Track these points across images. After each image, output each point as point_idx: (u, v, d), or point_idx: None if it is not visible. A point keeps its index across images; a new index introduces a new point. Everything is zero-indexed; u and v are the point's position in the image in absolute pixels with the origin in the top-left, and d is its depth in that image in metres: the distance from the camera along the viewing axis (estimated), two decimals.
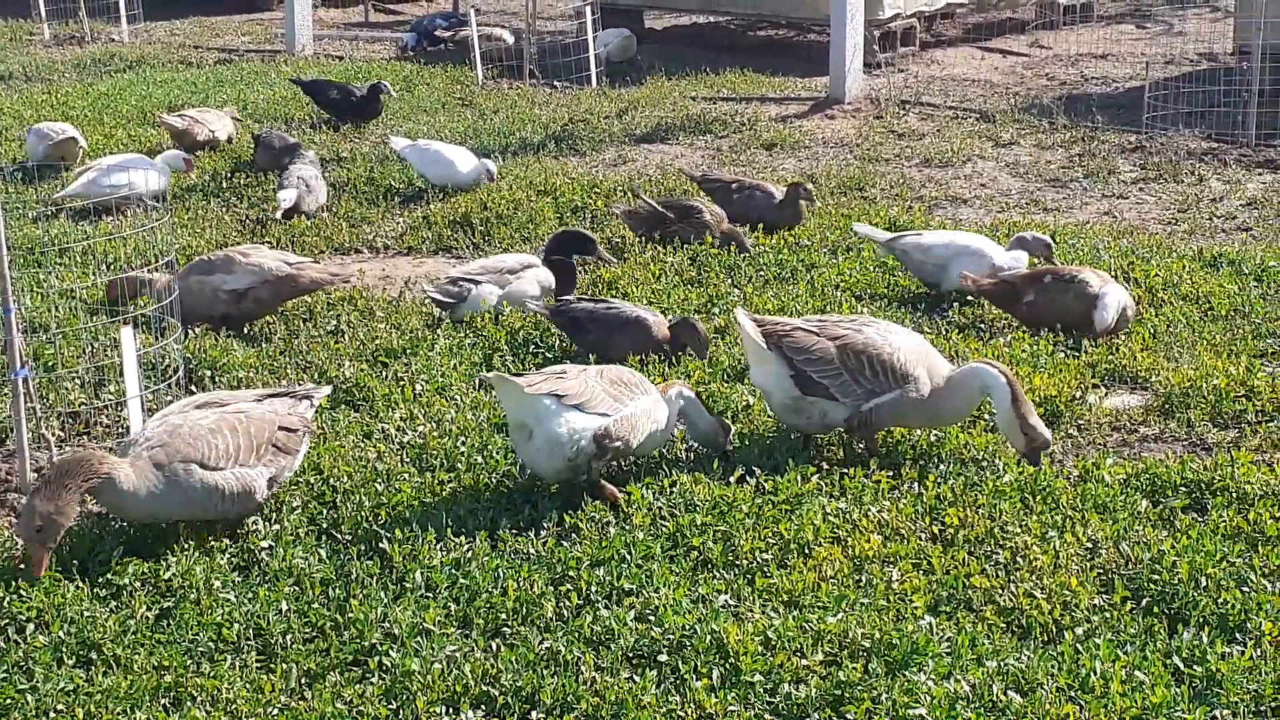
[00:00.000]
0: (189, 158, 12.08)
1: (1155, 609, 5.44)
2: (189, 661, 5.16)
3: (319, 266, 9.03)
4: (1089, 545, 5.83)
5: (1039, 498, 6.26)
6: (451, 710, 4.89)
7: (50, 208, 11.26)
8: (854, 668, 5.01)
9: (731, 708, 4.85)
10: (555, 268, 9.05)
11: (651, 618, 5.38)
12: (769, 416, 7.15)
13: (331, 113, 14.82)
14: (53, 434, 6.81)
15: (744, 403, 7.32)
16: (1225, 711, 4.79)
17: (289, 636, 5.32)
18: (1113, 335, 8.24)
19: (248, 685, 5.01)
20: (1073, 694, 4.85)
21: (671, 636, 5.23)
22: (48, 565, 5.59)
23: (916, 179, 12.59)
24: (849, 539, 5.91)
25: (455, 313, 8.80)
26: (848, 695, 4.89)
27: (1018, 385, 6.56)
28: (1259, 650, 5.10)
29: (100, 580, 5.64)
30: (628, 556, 5.78)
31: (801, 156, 13.54)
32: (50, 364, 7.85)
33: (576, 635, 5.29)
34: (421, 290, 9.05)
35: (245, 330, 8.69)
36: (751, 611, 5.41)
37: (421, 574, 5.69)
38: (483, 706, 4.93)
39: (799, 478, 6.38)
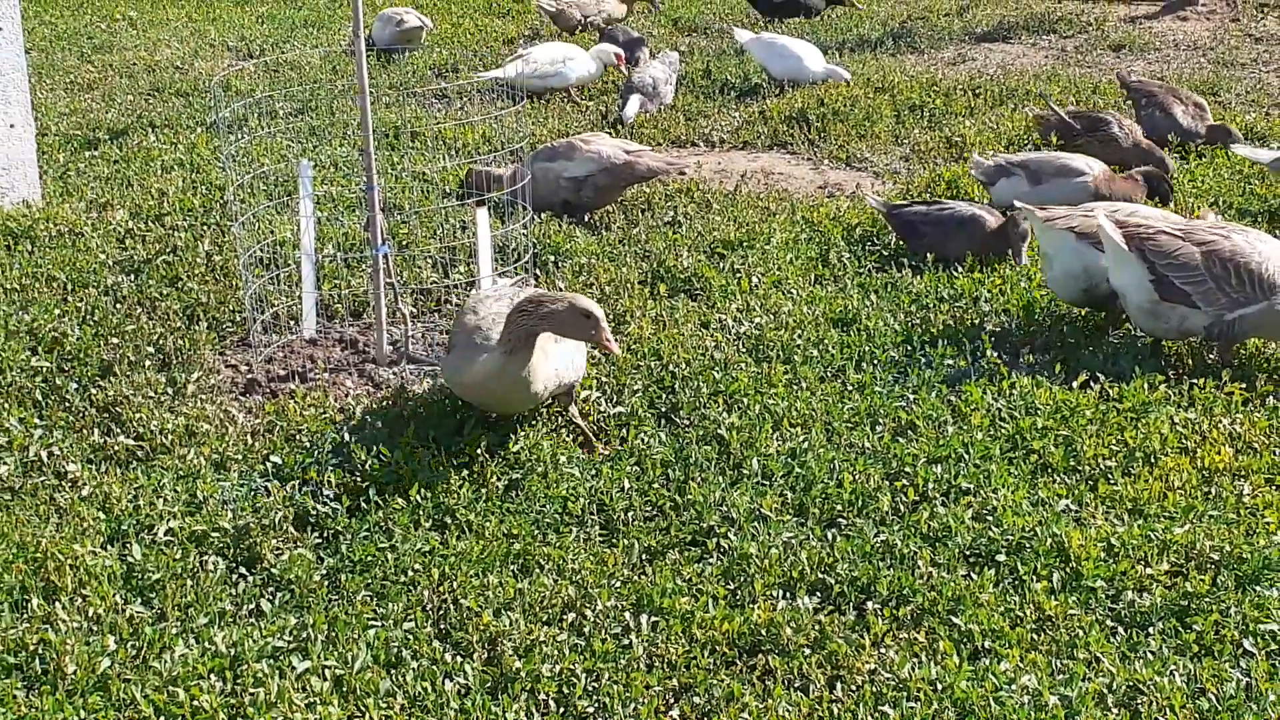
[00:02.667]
0: (619, 53, 12.12)
1: None
2: (536, 531, 5.36)
3: (655, 155, 9.12)
4: None
5: None
6: (788, 594, 4.96)
7: (404, 92, 11.64)
8: (1201, 579, 4.88)
9: (1072, 611, 4.79)
10: (1148, 179, 8.53)
11: (989, 517, 5.34)
12: (1104, 322, 6.99)
13: (774, 15, 14.74)
14: (407, 309, 7.09)
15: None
16: None
17: (630, 513, 5.47)
18: None
19: (591, 557, 5.18)
20: None
21: (1010, 537, 5.19)
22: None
23: (1275, 85, 11.98)
24: (1198, 450, 5.74)
25: (991, 193, 8.74)
26: (1194, 606, 4.78)
27: None
28: None
29: (453, 450, 5.88)
30: (966, 456, 5.74)
31: (1151, 59, 13.03)
32: (404, 242, 8.17)
33: (913, 530, 5.29)
34: (972, 161, 8.95)
35: (586, 219, 8.87)
36: (1094, 517, 5.32)
37: (758, 461, 5.76)
38: (818, 593, 4.98)
39: (1146, 385, 6.22)
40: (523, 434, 5.96)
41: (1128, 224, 6.65)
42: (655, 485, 5.65)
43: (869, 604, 4.90)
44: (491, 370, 5.70)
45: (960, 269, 7.72)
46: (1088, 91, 11.48)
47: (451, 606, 4.91)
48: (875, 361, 6.65)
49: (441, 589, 4.99)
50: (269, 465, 5.76)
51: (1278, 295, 6.36)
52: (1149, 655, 4.57)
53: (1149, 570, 4.97)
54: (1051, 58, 13.20)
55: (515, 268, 7.41)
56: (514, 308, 5.70)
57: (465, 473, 5.72)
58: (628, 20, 14.13)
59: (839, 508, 5.48)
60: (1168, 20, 14.55)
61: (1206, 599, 4.80)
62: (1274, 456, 5.72)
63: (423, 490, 5.54)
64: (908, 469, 5.68)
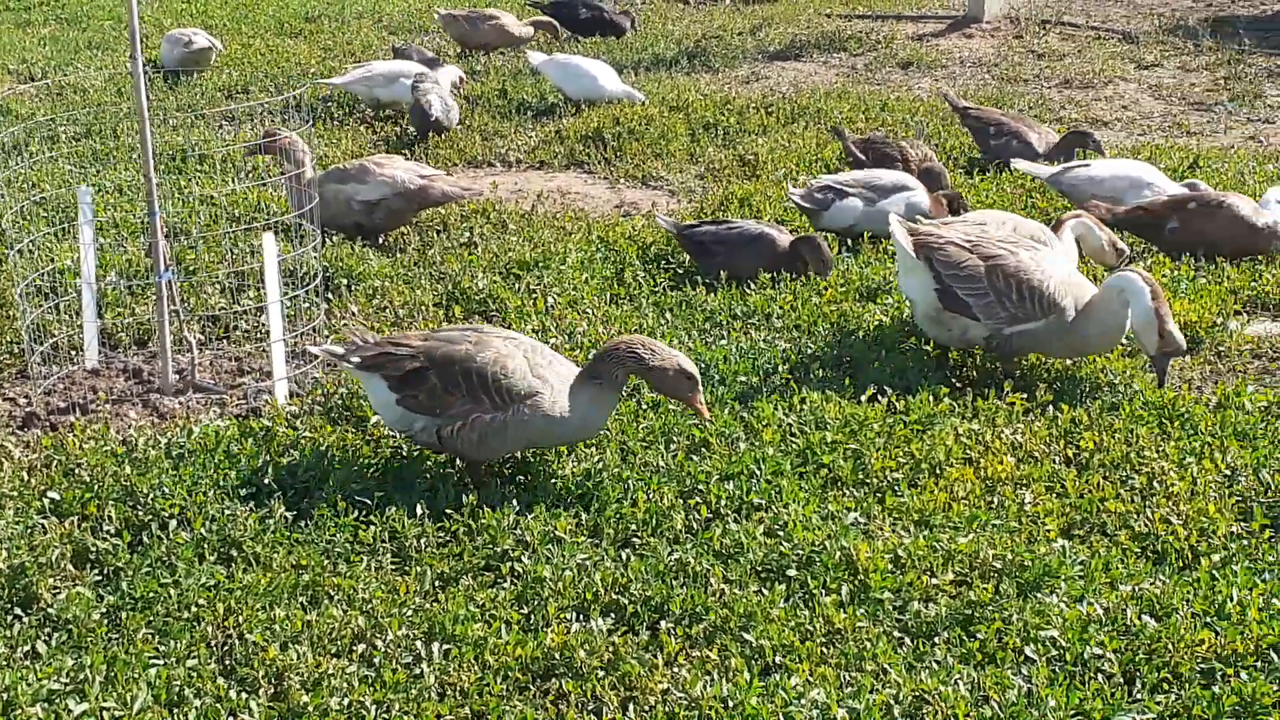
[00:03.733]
0: (463, 75, 11.94)
1: None
2: (326, 561, 5.25)
3: (450, 180, 9.07)
4: (1227, 473, 5.73)
5: (1177, 423, 6.17)
6: (581, 617, 4.94)
7: (193, 113, 11.41)
8: (985, 588, 4.98)
9: (860, 624, 4.85)
10: (949, 199, 8.59)
11: (781, 533, 5.38)
12: (902, 336, 7.11)
13: (581, 32, 14.69)
14: (193, 336, 6.93)
15: (875, 321, 7.26)
16: None
17: (423, 540, 5.40)
18: (1263, 260, 8.03)
19: (383, 586, 5.09)
20: (1209, 620, 4.78)
21: (800, 552, 5.23)
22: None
23: (1056, 100, 12.36)
24: (981, 460, 5.86)
25: (817, 221, 8.66)
26: (978, 615, 4.87)
27: (1158, 286, 6.41)
28: None
29: (240, 480, 5.74)
30: (757, 472, 5.78)
31: (938, 75, 13.34)
32: (191, 269, 7.99)
33: (705, 548, 5.31)
34: (788, 191, 8.88)
35: (380, 241, 8.77)
36: (881, 530, 5.40)
37: (553, 483, 5.74)
38: (612, 614, 4.96)
39: (931, 398, 6.33)
40: (310, 461, 5.85)
41: (920, 231, 6.77)
42: (448, 510, 5.59)
43: (662, 623, 4.91)
44: (600, 403, 5.74)
45: (753, 286, 7.79)
46: (876, 108, 11.69)
47: (237, 641, 4.79)
48: None
49: (227, 624, 4.87)
50: (46, 501, 5.57)
51: (1055, 314, 6.52)
52: (934, 665, 4.64)
53: (934, 580, 5.06)
54: (842, 75, 13.44)
55: (305, 292, 7.29)
56: (619, 348, 5.72)
57: (252, 503, 5.59)
58: (533, 42, 14.12)
59: (633, 527, 5.48)
60: (954, 37, 14.91)
61: (989, 607, 4.89)
62: (1054, 465, 5.87)
63: (207, 523, 5.40)
64: (701, 486, 5.71)
